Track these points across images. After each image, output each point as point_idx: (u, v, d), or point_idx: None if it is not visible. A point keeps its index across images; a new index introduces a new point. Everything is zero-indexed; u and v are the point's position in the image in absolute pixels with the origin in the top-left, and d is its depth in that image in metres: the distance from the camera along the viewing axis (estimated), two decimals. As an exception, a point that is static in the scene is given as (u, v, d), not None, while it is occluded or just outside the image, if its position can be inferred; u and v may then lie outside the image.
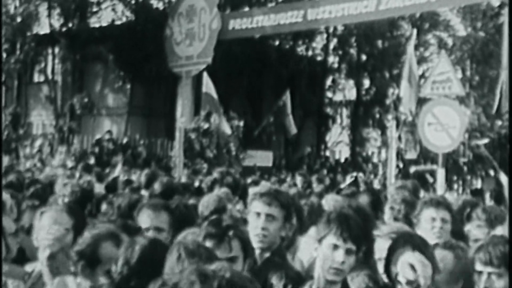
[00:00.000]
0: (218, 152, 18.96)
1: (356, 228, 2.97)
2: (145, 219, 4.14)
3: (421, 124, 9.95)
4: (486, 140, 13.31)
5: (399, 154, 13.26)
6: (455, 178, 13.68)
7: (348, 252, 2.93)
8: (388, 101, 34.40)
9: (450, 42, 34.27)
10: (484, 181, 12.64)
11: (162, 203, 4.46)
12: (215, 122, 19.14)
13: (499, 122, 13.85)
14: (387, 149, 14.81)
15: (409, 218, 4.84)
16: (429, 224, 4.50)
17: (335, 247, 2.93)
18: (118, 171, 11.90)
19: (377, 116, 36.47)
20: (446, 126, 9.68)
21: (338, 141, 38.02)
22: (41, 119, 30.10)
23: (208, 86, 18.45)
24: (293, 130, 22.05)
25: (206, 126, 19.20)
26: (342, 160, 32.54)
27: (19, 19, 26.09)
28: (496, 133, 13.74)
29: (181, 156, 14.61)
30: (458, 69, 31.32)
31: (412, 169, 13.89)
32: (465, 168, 13.48)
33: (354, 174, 20.59)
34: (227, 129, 20.19)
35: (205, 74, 19.18)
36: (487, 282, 3.21)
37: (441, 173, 9.88)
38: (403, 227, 3.94)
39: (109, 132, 24.44)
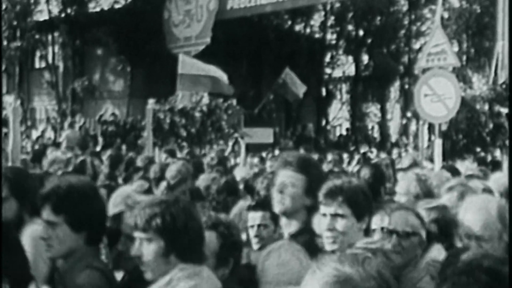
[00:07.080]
0: (201, 130, 18.99)
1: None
2: None
3: (417, 96, 10.04)
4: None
5: (431, 127, 12.89)
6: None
7: None
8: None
9: (445, 15, 34.36)
10: (502, 151, 12.60)
11: None
12: (203, 101, 19.19)
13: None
14: (417, 121, 14.66)
15: None
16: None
17: None
18: None
19: (406, 87, 36.48)
20: (442, 96, 9.80)
21: (338, 117, 38.25)
22: (43, 104, 30.39)
23: (184, 67, 17.37)
24: (302, 88, 22.09)
25: (180, 106, 19.26)
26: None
27: (18, 6, 26.25)
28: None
29: (150, 136, 14.90)
30: (454, 42, 31.44)
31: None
32: (488, 139, 13.39)
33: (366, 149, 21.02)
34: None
35: (180, 56, 18.42)
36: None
37: (438, 144, 9.97)
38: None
39: (114, 114, 24.71)
